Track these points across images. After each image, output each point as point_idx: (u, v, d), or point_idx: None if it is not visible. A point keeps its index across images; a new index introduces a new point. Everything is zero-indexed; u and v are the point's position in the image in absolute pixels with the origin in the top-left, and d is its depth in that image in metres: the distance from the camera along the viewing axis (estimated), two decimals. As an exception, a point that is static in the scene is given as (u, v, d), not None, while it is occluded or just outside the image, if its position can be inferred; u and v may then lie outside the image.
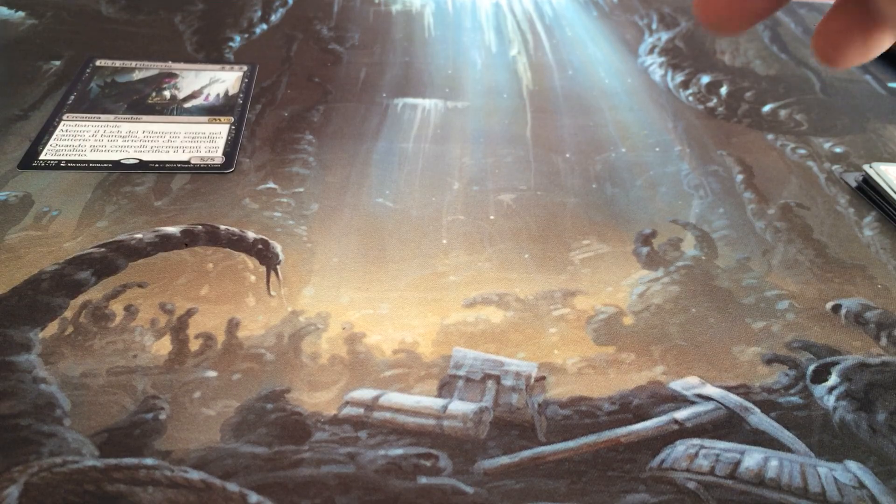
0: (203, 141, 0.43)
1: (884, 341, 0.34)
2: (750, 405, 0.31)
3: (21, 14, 0.55)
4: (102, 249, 0.36)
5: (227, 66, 0.51)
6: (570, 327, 0.34)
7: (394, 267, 0.37)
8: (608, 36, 0.59)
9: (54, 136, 0.42)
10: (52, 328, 0.32)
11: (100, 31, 0.54)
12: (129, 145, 0.42)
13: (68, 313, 0.33)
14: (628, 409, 0.31)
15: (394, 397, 0.30)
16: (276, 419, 0.29)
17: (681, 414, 0.30)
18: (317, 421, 0.29)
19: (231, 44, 0.54)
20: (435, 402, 0.30)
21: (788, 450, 0.29)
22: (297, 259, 0.37)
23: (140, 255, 0.36)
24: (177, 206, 0.39)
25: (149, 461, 0.27)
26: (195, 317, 0.33)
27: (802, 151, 0.47)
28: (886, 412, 0.31)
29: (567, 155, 0.46)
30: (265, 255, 0.36)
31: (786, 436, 0.30)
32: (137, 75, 0.49)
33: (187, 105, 0.46)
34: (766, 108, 0.51)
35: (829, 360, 0.33)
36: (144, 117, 0.45)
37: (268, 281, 0.35)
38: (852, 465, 0.29)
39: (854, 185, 0.44)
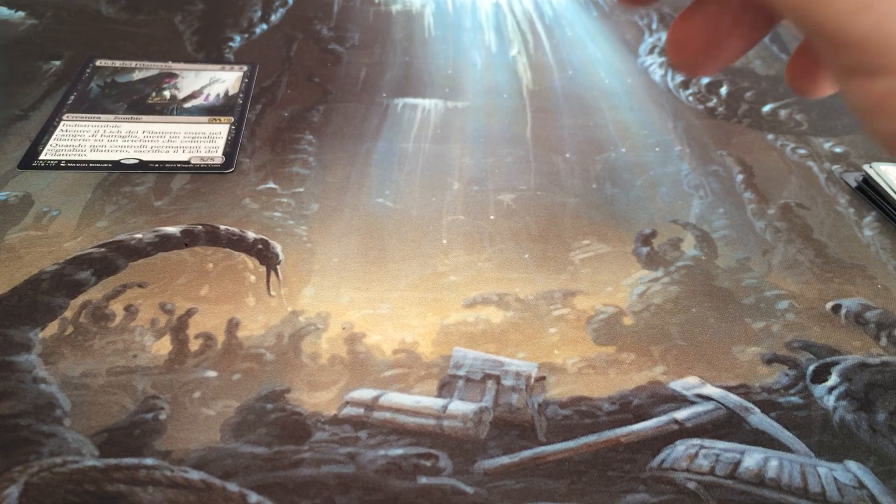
0: (203, 141, 0.43)
1: (884, 341, 0.34)
2: (750, 405, 0.31)
3: (21, 14, 0.55)
4: (102, 249, 0.36)
5: (227, 66, 0.51)
6: (570, 327, 0.34)
7: (394, 267, 0.37)
8: (608, 36, 0.59)
9: (54, 136, 0.42)
10: (52, 328, 0.32)
11: (100, 31, 0.54)
12: (129, 145, 0.42)
13: (68, 313, 0.33)
14: (628, 409, 0.31)
15: (394, 397, 0.30)
16: (276, 419, 0.29)
17: (681, 414, 0.30)
18: (317, 421, 0.29)
19: (231, 44, 0.54)
20: (435, 402, 0.30)
21: (788, 450, 0.29)
22: (297, 259, 0.37)
23: (140, 255, 0.36)
24: (177, 206, 0.39)
25: (149, 461, 0.27)
26: (195, 317, 0.33)
27: (802, 151, 0.47)
28: (886, 412, 0.31)
29: (567, 155, 0.46)
30: (265, 255, 0.36)
31: (786, 436, 0.30)
32: (137, 75, 0.49)
33: (187, 105, 0.46)
34: (766, 108, 0.51)
35: (829, 360, 0.33)
36: (144, 117, 0.45)
37: (268, 281, 0.35)
38: (852, 465, 0.29)
39: (854, 185, 0.44)
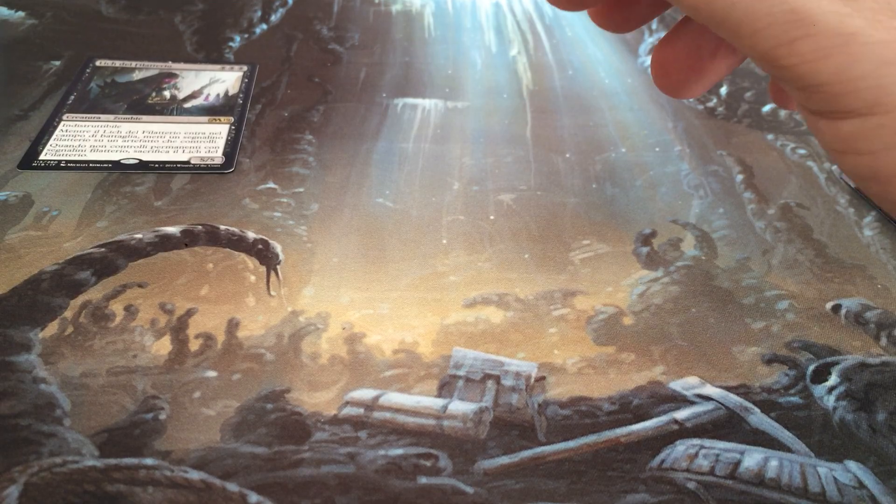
0: (203, 141, 0.43)
1: (884, 341, 0.34)
2: (750, 405, 0.31)
3: (21, 14, 0.55)
4: (102, 249, 0.36)
5: (227, 66, 0.51)
6: (570, 327, 0.34)
7: (394, 267, 0.37)
8: (608, 36, 0.59)
9: (54, 136, 0.42)
10: (52, 328, 0.32)
11: (100, 31, 0.54)
12: (129, 145, 0.42)
13: (68, 313, 0.33)
14: (628, 409, 0.31)
15: (394, 397, 0.30)
16: (276, 419, 0.29)
17: (681, 414, 0.30)
18: (317, 421, 0.29)
19: (231, 44, 0.54)
20: (435, 402, 0.30)
21: (788, 450, 0.29)
22: (297, 259, 0.37)
23: (140, 255, 0.36)
24: (177, 206, 0.39)
25: (149, 461, 0.27)
26: (195, 317, 0.33)
27: (802, 151, 0.47)
28: (886, 412, 0.31)
29: (567, 155, 0.46)
30: (265, 255, 0.36)
31: (786, 436, 0.30)
32: (137, 75, 0.49)
33: (187, 105, 0.46)
34: (766, 108, 0.51)
35: (829, 360, 0.33)
36: (144, 117, 0.45)
37: (268, 281, 0.35)
38: (852, 465, 0.29)
39: (854, 185, 0.44)
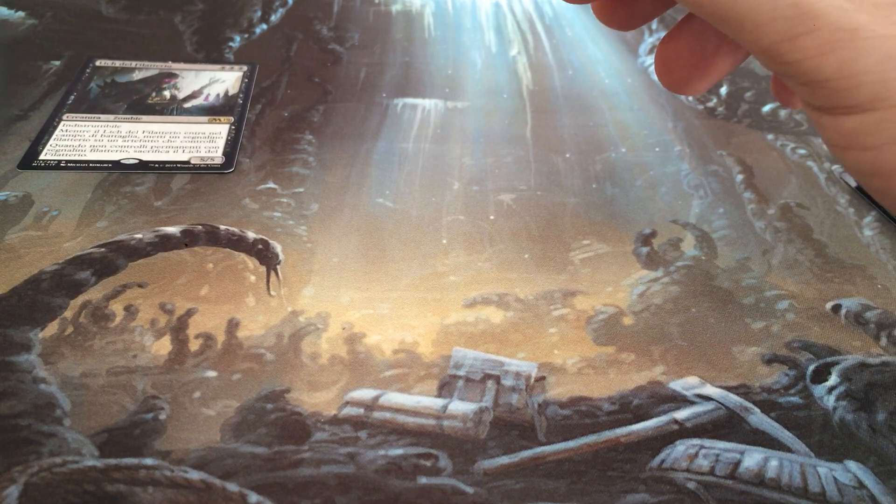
0: (203, 141, 0.43)
1: (884, 341, 0.34)
2: (750, 405, 0.31)
3: (21, 14, 0.55)
4: (102, 249, 0.36)
5: (227, 66, 0.51)
6: (570, 327, 0.34)
7: (394, 267, 0.37)
8: (608, 36, 0.59)
9: (54, 136, 0.42)
10: (52, 328, 0.32)
11: (100, 31, 0.54)
12: (129, 145, 0.42)
13: (68, 313, 0.33)
14: (628, 409, 0.31)
15: (394, 397, 0.30)
16: (276, 419, 0.29)
17: (681, 414, 0.30)
18: (317, 421, 0.29)
19: (231, 44, 0.54)
20: (435, 402, 0.30)
21: (788, 450, 0.29)
22: (297, 259, 0.37)
23: (140, 255, 0.36)
24: (177, 206, 0.39)
25: (149, 461, 0.27)
26: (195, 317, 0.33)
27: (802, 151, 0.47)
28: (886, 412, 0.31)
29: (567, 155, 0.46)
30: (265, 255, 0.36)
31: (786, 436, 0.30)
32: (137, 75, 0.49)
33: (187, 105, 0.46)
34: (766, 108, 0.51)
35: (829, 360, 0.33)
36: (144, 117, 0.45)
37: (268, 281, 0.35)
38: (852, 465, 0.29)
39: (854, 185, 0.44)
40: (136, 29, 0.55)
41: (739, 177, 0.45)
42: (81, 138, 0.43)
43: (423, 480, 0.27)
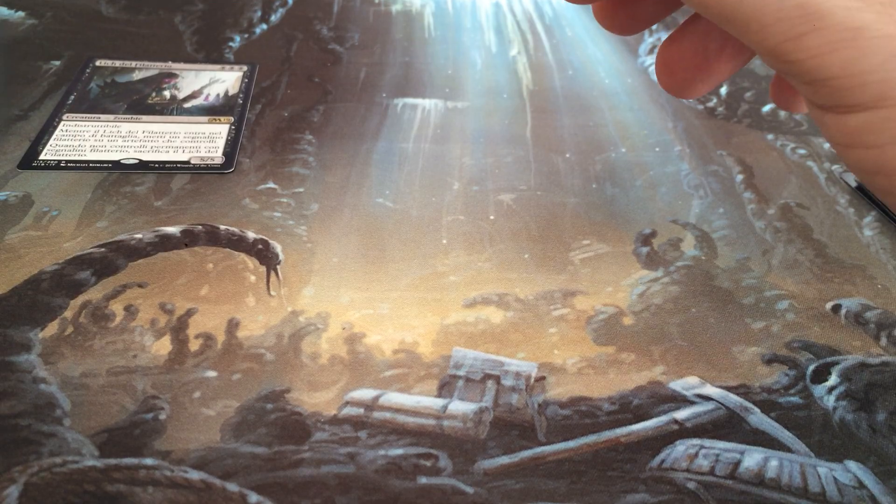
0: (203, 141, 0.43)
1: (884, 341, 0.34)
2: (750, 405, 0.31)
3: (21, 14, 0.55)
4: (102, 249, 0.36)
5: (227, 66, 0.51)
6: (570, 327, 0.34)
7: (394, 267, 0.37)
8: (608, 36, 0.59)
9: (54, 136, 0.42)
10: (52, 328, 0.32)
11: (100, 31, 0.54)
12: (129, 145, 0.42)
13: (68, 313, 0.33)
14: (628, 409, 0.31)
15: (394, 397, 0.30)
16: (276, 419, 0.29)
17: (681, 414, 0.30)
18: (317, 421, 0.29)
19: (231, 44, 0.54)
20: (435, 402, 0.30)
21: (788, 450, 0.29)
22: (297, 259, 0.37)
23: (140, 255, 0.36)
24: (177, 206, 0.39)
25: (149, 461, 0.27)
26: (195, 317, 0.33)
27: (802, 151, 0.47)
28: (886, 412, 0.31)
29: (567, 155, 0.46)
30: (265, 255, 0.36)
31: (786, 436, 0.30)
32: (137, 75, 0.49)
33: (187, 105, 0.46)
34: (766, 108, 0.51)
35: (829, 360, 0.33)
36: (144, 117, 0.45)
37: (268, 281, 0.35)
38: (852, 465, 0.29)
39: (854, 185, 0.44)
40: (136, 29, 0.55)
41: (739, 177, 0.45)
42: (81, 138, 0.43)
43: (423, 480, 0.27)
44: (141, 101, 0.46)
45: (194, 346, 0.32)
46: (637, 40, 0.59)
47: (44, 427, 0.28)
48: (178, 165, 0.41)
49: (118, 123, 0.44)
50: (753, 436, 0.30)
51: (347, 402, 0.30)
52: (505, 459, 0.28)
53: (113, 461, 0.27)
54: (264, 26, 0.56)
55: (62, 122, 0.44)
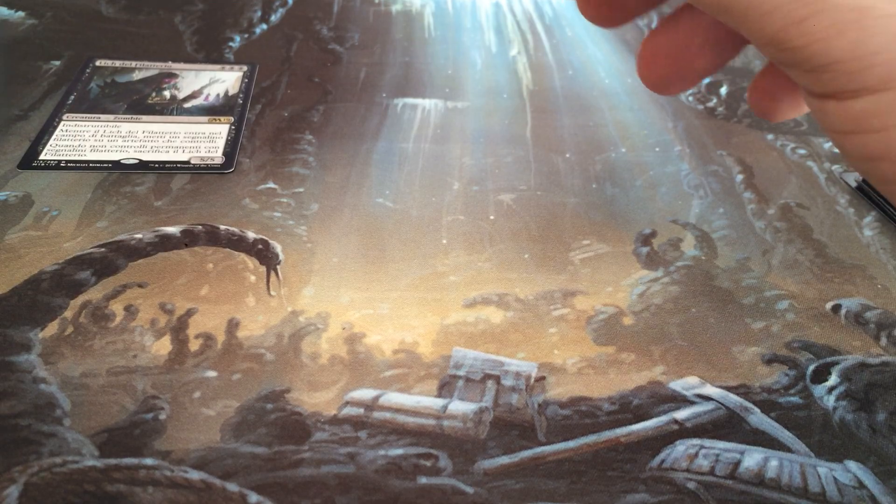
0: (203, 141, 0.43)
1: (884, 341, 0.34)
2: (750, 405, 0.31)
3: (21, 14, 0.55)
4: (102, 249, 0.36)
5: (227, 66, 0.51)
6: (570, 327, 0.34)
7: (394, 267, 0.37)
8: (608, 36, 0.59)
9: (54, 136, 0.42)
10: (52, 328, 0.32)
11: (100, 31, 0.54)
12: (129, 145, 0.42)
13: (68, 313, 0.33)
14: (628, 409, 0.31)
15: (394, 397, 0.30)
16: (276, 419, 0.29)
17: (681, 414, 0.30)
18: (317, 421, 0.29)
19: (231, 44, 0.54)
20: (435, 402, 0.30)
21: (788, 450, 0.29)
22: (297, 259, 0.37)
23: (140, 255, 0.36)
24: (177, 206, 0.39)
25: (149, 461, 0.27)
26: (195, 317, 0.33)
27: (802, 151, 0.47)
28: (886, 412, 0.31)
29: (567, 155, 0.46)
30: (265, 255, 0.36)
31: (786, 436, 0.30)
32: (137, 75, 0.49)
33: (187, 105, 0.46)
34: (766, 108, 0.51)
35: (829, 360, 0.33)
36: (144, 117, 0.45)
37: (268, 281, 0.35)
38: (852, 465, 0.29)
39: (854, 185, 0.44)
40: (136, 29, 0.55)
41: (739, 177, 0.45)
42: (81, 138, 0.43)
43: (423, 480, 0.27)
44: (141, 101, 0.46)
45: (194, 346, 0.32)
46: (637, 40, 0.59)
47: (44, 427, 0.28)
48: (178, 165, 0.41)
49: (118, 123, 0.44)
50: (753, 436, 0.30)
51: (347, 402, 0.30)
52: (505, 459, 0.28)
53: (113, 461, 0.27)
54: (264, 26, 0.56)
55: (62, 122, 0.44)
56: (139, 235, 0.37)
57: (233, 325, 0.33)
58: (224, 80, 0.49)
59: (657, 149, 0.47)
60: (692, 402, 0.31)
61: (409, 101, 0.50)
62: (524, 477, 0.28)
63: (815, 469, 0.29)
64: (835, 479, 0.28)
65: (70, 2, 0.57)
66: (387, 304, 0.35)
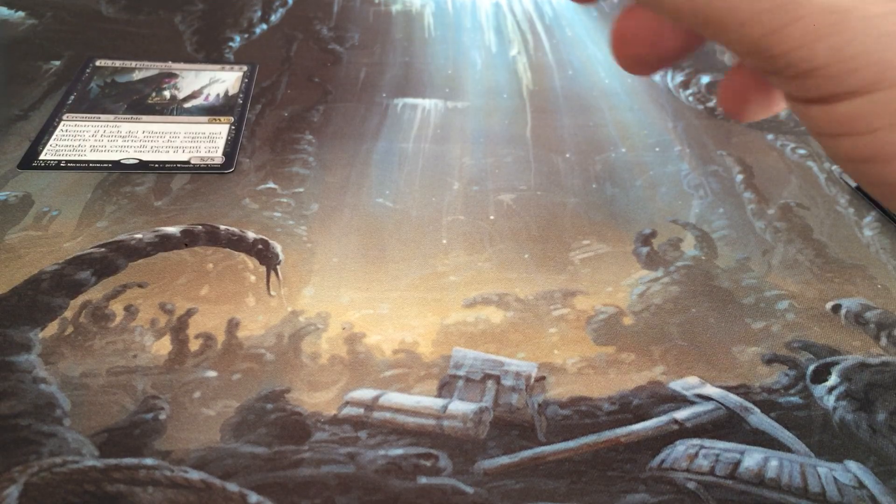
0: (203, 141, 0.43)
1: (884, 341, 0.34)
2: (750, 405, 0.31)
3: (21, 14, 0.55)
4: (102, 249, 0.36)
5: (227, 66, 0.51)
6: (570, 327, 0.34)
7: (394, 267, 0.37)
8: (608, 36, 0.59)
9: (54, 136, 0.42)
10: (52, 328, 0.32)
11: (100, 31, 0.54)
12: (129, 145, 0.42)
13: (68, 313, 0.33)
14: (628, 409, 0.31)
15: (394, 397, 0.30)
16: (276, 419, 0.29)
17: (681, 414, 0.30)
18: (317, 421, 0.29)
19: (231, 44, 0.54)
20: (435, 402, 0.30)
21: (788, 450, 0.29)
22: (297, 259, 0.37)
23: (140, 255, 0.36)
24: (177, 206, 0.39)
25: (149, 461, 0.27)
26: (195, 317, 0.33)
27: (802, 151, 0.47)
28: (886, 412, 0.31)
29: (567, 155, 0.46)
30: (265, 255, 0.36)
31: (786, 436, 0.30)
32: (137, 75, 0.49)
33: (187, 105, 0.46)
34: (766, 108, 0.51)
35: (829, 360, 0.33)
36: (144, 117, 0.45)
37: (268, 281, 0.35)
38: (852, 465, 0.29)
39: (854, 185, 0.44)
40: (136, 29, 0.55)
41: (739, 177, 0.45)
42: (81, 138, 0.43)
43: (423, 480, 0.27)
44: (141, 101, 0.46)
45: (194, 346, 0.32)
46: (637, 40, 0.59)
47: (44, 427, 0.28)
48: (178, 165, 0.41)
49: (118, 123, 0.44)
50: (753, 436, 0.30)
51: (347, 402, 0.30)
52: (505, 459, 0.28)
53: (113, 461, 0.27)
54: (264, 26, 0.56)
55: (62, 122, 0.44)
56: (139, 235, 0.37)
57: (233, 325, 0.33)
58: (224, 80, 0.49)
59: (657, 149, 0.47)
60: (692, 402, 0.31)
61: (409, 101, 0.50)
62: (524, 477, 0.28)
63: (815, 469, 0.29)
64: (835, 479, 0.28)
65: (70, 2, 0.57)
66: (387, 304, 0.35)
